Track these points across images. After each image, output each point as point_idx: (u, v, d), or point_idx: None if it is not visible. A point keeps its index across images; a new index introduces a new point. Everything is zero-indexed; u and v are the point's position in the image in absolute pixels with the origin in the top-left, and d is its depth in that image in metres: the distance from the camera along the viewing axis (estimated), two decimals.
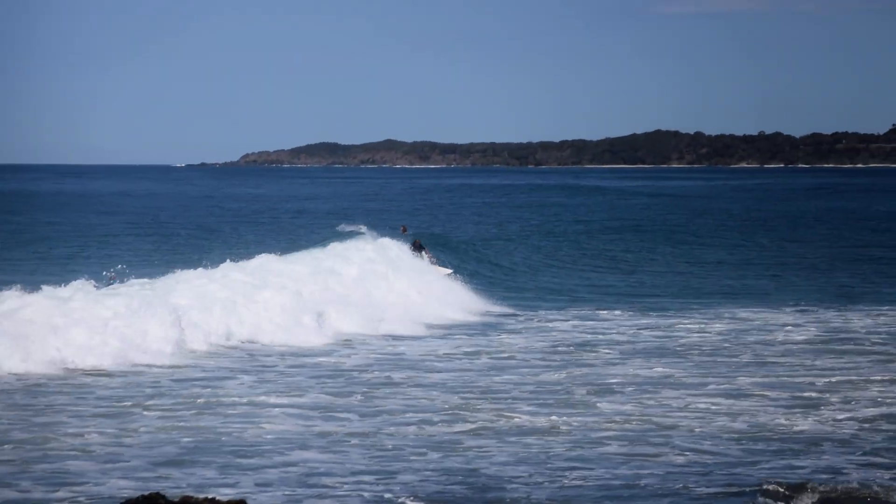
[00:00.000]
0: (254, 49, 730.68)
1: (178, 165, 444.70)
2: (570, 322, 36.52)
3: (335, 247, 43.50)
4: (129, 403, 22.99)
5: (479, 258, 56.38)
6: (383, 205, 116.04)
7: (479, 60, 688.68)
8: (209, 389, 24.63)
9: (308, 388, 25.04)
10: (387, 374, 26.95)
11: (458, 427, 21.17)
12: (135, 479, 17.47)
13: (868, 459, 18.89)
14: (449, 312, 38.07)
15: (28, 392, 24.14)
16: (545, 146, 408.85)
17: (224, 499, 14.10)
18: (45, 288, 29.45)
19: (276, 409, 22.58)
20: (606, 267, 57.31)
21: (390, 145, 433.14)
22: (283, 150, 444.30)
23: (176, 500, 13.79)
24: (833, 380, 25.93)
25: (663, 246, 66.96)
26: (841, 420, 21.78)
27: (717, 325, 35.35)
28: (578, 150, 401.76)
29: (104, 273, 36.42)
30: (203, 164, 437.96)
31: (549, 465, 18.43)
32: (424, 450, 19.41)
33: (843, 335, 33.14)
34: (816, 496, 16.58)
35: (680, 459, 18.85)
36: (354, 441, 20.05)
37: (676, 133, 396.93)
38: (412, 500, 16.54)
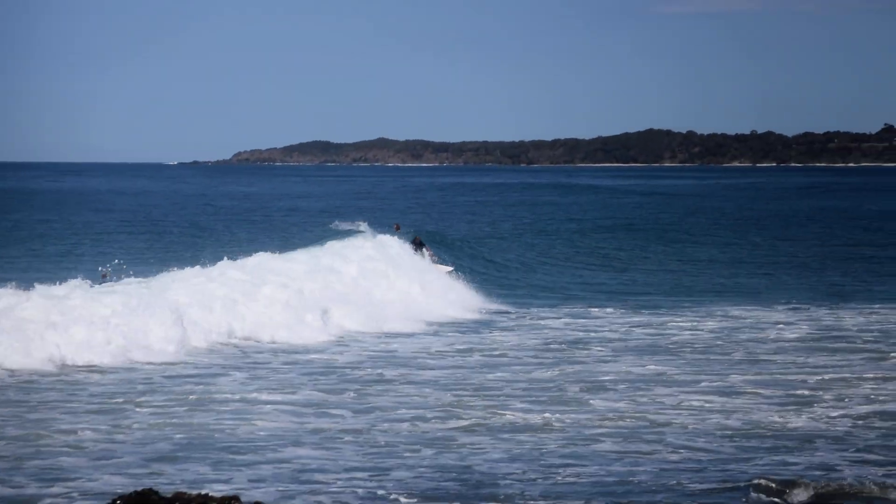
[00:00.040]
0: (246, 48, 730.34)
1: (171, 163, 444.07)
2: (563, 320, 36.54)
3: (334, 244, 43.51)
4: (123, 400, 22.99)
5: (474, 255, 56.38)
6: (376, 203, 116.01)
7: (472, 59, 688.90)
8: (202, 386, 24.63)
9: (301, 384, 25.04)
10: (380, 371, 26.96)
11: (452, 424, 21.17)
12: (127, 475, 17.46)
13: (861, 456, 18.92)
14: (448, 310, 38.04)
15: (21, 388, 24.13)
16: (537, 145, 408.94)
17: (217, 495, 14.09)
18: (40, 286, 29.47)
19: (269, 406, 22.58)
20: (599, 265, 57.36)
21: (383, 144, 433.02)
22: (275, 149, 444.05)
23: (168, 496, 13.78)
24: (825, 377, 25.96)
25: (656, 244, 67.03)
26: (834, 417, 21.82)
27: (710, 323, 35.39)
28: (571, 149, 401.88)
29: (99, 269, 36.43)
30: (195, 163, 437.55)
31: (542, 462, 18.44)
32: (418, 446, 19.42)
33: (834, 333, 33.19)
34: (810, 492, 16.61)
35: (673, 456, 18.87)
36: (347, 438, 20.05)
37: (669, 132, 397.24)
38: (405, 497, 16.54)
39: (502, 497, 16.56)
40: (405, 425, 21.05)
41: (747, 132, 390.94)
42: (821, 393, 24.15)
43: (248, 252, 38.41)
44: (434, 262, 45.58)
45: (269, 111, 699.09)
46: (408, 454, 18.93)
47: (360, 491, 16.77)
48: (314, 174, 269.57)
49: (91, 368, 26.46)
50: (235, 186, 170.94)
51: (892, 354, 29.14)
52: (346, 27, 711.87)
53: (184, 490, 14.49)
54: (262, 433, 20.33)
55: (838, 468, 18.20)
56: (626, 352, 29.83)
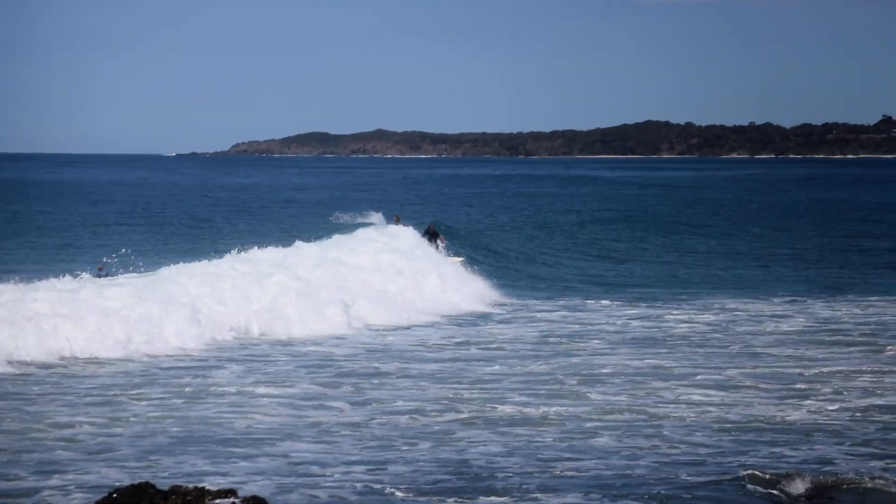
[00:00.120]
0: (245, 40, 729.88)
1: (169, 155, 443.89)
2: (560, 312, 36.55)
3: (343, 237, 43.51)
4: (121, 393, 22.99)
5: (475, 246, 56.33)
6: (375, 195, 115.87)
7: (471, 51, 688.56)
8: (200, 379, 24.64)
9: (298, 378, 25.05)
10: (377, 364, 26.96)
11: (449, 417, 21.18)
12: (125, 467, 17.47)
13: (859, 450, 18.94)
14: (460, 304, 37.87)
15: (20, 381, 24.13)
16: (536, 136, 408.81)
17: (214, 488, 14.10)
18: (42, 279, 29.53)
19: (267, 399, 22.59)
20: (597, 256, 57.37)
21: (381, 135, 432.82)
22: (273, 140, 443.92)
23: (165, 489, 13.79)
24: (822, 370, 25.98)
25: (654, 236, 67.05)
26: (831, 410, 21.83)
27: (707, 316, 35.39)
28: (569, 141, 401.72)
29: (106, 259, 36.46)
30: (193, 154, 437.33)
31: (540, 456, 18.45)
32: (415, 440, 19.43)
33: (832, 326, 33.20)
34: (808, 485, 16.63)
35: (671, 449, 18.88)
36: (345, 431, 20.06)
37: (667, 123, 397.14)
38: (403, 490, 16.55)
39: (500, 490, 16.57)
40: (403, 418, 21.06)
41: (745, 124, 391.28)
42: (818, 386, 24.17)
43: (251, 244, 38.27)
44: (445, 251, 45.48)
45: (268, 103, 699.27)
46: (405, 447, 18.94)
47: (357, 485, 16.78)
48: (312, 166, 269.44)
49: (91, 361, 26.48)
50: (234, 178, 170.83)
51: (890, 347, 29.16)
52: (344, 19, 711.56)
53: (181, 483, 14.51)
54: (259, 426, 20.34)
55: (836, 461, 18.22)
56: (624, 344, 29.84)
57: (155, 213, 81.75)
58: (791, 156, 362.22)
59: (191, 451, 18.55)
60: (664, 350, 28.89)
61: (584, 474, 17.38)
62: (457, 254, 46.83)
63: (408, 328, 33.18)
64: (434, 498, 16.19)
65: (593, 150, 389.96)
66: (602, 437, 19.72)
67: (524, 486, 16.71)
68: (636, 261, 55.98)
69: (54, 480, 16.81)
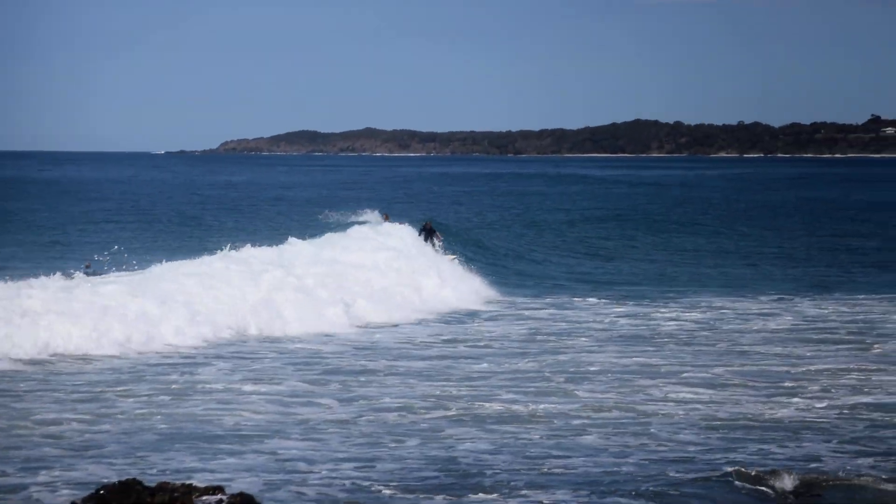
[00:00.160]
0: (234, 38, 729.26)
1: (158, 153, 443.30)
2: (548, 310, 36.56)
3: (337, 234, 43.45)
4: (108, 389, 22.95)
5: (465, 242, 56.28)
6: (365, 193, 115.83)
7: (460, 49, 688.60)
8: (187, 376, 24.61)
9: (286, 375, 25.03)
10: (365, 361, 26.96)
11: (437, 414, 21.18)
12: (112, 464, 17.44)
13: (846, 447, 18.97)
14: (450, 300, 37.79)
15: (7, 378, 24.08)
16: (525, 135, 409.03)
17: (201, 485, 14.08)
18: (31, 277, 29.49)
19: (254, 396, 22.58)
20: (585, 254, 57.40)
21: (370, 133, 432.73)
22: (262, 138, 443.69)
23: (152, 486, 13.77)
24: (810, 368, 26.02)
25: (643, 234, 67.11)
26: (819, 408, 21.86)
27: (695, 314, 35.43)
28: (558, 139, 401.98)
29: (97, 257, 36.42)
30: (182, 152, 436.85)
31: (528, 453, 18.46)
32: (403, 437, 19.43)
33: (819, 324, 33.25)
34: (795, 482, 16.65)
35: (659, 447, 18.89)
36: (333, 428, 20.05)
37: (656, 122, 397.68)
38: (391, 488, 16.54)
39: (488, 487, 16.57)
40: (391, 416, 21.06)
41: (734, 123, 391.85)
42: (806, 384, 24.21)
43: (241, 242, 38.15)
44: (440, 248, 45.42)
45: (257, 101, 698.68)
46: (393, 445, 18.93)
47: (345, 482, 16.77)
48: (301, 164, 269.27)
49: (80, 358, 26.43)
50: (223, 176, 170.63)
51: (877, 346, 29.22)
52: (333, 18, 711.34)
53: (168, 480, 14.49)
54: (247, 423, 20.32)
55: (823, 458, 18.26)
56: (612, 342, 29.86)
57: (144, 210, 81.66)
58: (780, 155, 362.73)
59: (178, 447, 18.53)
60: (652, 348, 28.92)
61: (572, 472, 17.39)
62: (451, 252, 46.74)
63: (396, 326, 33.15)
64: (422, 495, 16.18)
65: (583, 148, 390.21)
66: (590, 434, 19.73)
67: (512, 484, 16.71)
68: (624, 259, 56.03)
69: (41, 477, 16.78)
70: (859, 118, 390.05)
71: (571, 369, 25.73)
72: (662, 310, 36.40)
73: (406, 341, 30.27)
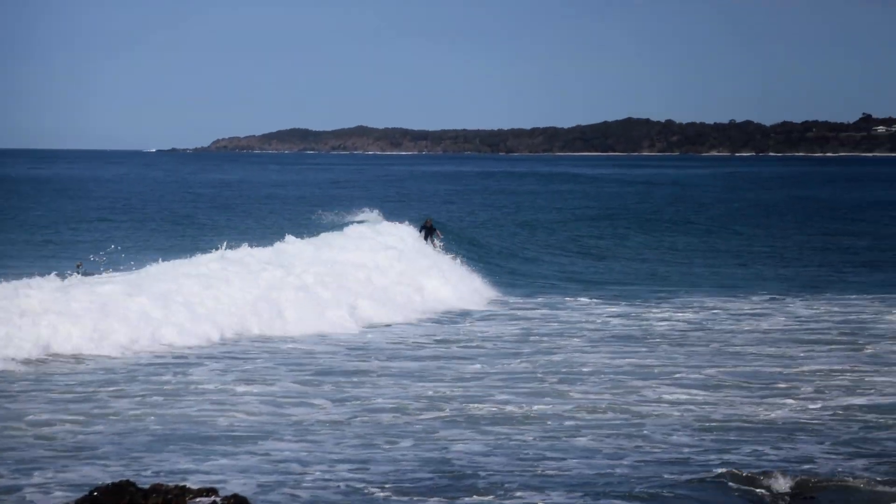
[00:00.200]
0: (225, 36, 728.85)
1: (150, 151, 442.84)
2: (541, 310, 36.56)
3: (336, 234, 43.45)
4: (102, 390, 22.91)
5: (458, 241, 56.27)
6: (358, 192, 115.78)
7: (452, 48, 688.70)
8: (181, 377, 24.57)
9: (280, 376, 25.00)
10: (359, 362, 26.95)
11: (431, 415, 21.18)
12: (106, 466, 17.41)
13: (840, 449, 18.97)
14: (448, 300, 37.68)
15: (0, 377, 24.05)
16: (517, 133, 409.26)
17: (195, 487, 14.08)
18: (25, 277, 29.45)
19: (248, 397, 22.55)
20: (577, 253, 57.43)
21: (362, 131, 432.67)
22: (253, 136, 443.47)
23: (146, 487, 13.77)
24: (803, 369, 26.04)
25: (635, 234, 67.15)
26: (812, 409, 21.88)
27: (687, 314, 35.45)
28: (550, 138, 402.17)
29: (93, 257, 36.39)
30: (174, 150, 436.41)
31: (521, 454, 18.46)
32: (397, 438, 19.42)
33: (811, 324, 33.27)
34: (790, 483, 16.66)
35: (652, 448, 18.89)
36: (327, 429, 20.03)
37: (647, 121, 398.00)
38: (385, 489, 16.52)
39: (482, 489, 16.56)
40: (385, 417, 21.05)
41: (726, 121, 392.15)
42: (799, 385, 24.23)
43: (235, 241, 38.09)
44: (439, 246, 45.37)
45: (248, 99, 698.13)
46: (387, 446, 18.92)
47: (339, 483, 16.76)
48: (293, 162, 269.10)
49: (75, 358, 26.35)
50: (215, 174, 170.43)
51: (869, 346, 29.24)
52: (324, 16, 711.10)
53: (162, 482, 14.48)
54: (241, 424, 20.29)
55: (817, 460, 18.27)
56: (605, 343, 29.86)
57: (136, 209, 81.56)
58: (771, 154, 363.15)
59: (172, 449, 18.51)
60: (644, 348, 28.92)
61: (566, 473, 17.39)
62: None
63: (388, 325, 33.11)
64: (416, 497, 16.18)
65: (574, 147, 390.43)
66: (584, 435, 19.73)
67: (506, 485, 16.71)
68: (616, 258, 56.07)
69: (34, 478, 16.75)
70: (851, 117, 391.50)
71: (564, 370, 25.73)
72: (655, 310, 36.41)
73: (399, 342, 30.25)
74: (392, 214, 55.50)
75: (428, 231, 45.96)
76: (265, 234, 49.69)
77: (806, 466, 17.82)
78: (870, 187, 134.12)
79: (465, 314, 35.80)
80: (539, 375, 25.05)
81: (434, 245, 45.23)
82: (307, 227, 47.33)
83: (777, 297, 39.99)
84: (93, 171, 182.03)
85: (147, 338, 28.14)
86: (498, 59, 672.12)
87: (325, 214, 66.07)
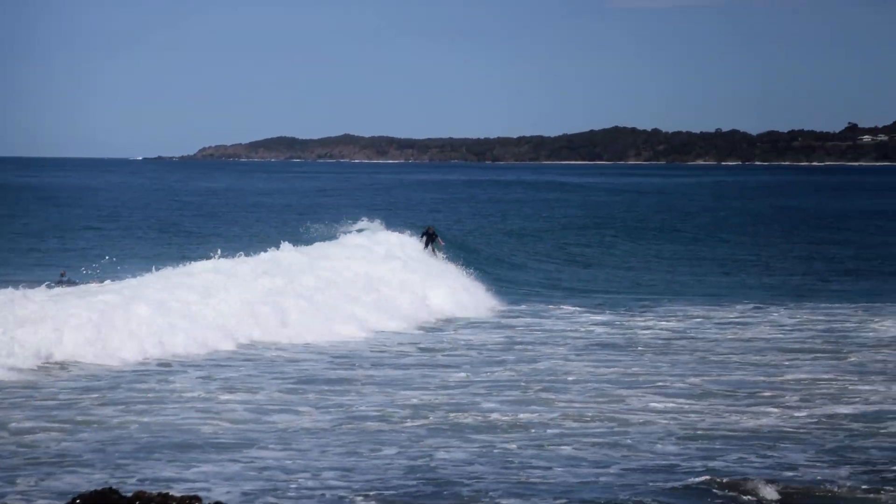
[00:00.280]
0: (211, 44, 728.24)
1: (136, 159, 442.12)
2: (525, 318, 36.58)
3: (331, 242, 43.48)
4: (86, 398, 22.86)
5: (447, 249, 56.19)
6: (344, 200, 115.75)
7: (437, 56, 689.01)
8: (164, 384, 24.53)
9: (265, 384, 24.98)
10: (344, 370, 26.94)
11: (416, 423, 21.17)
12: (89, 474, 17.38)
13: (825, 457, 18.99)
14: (445, 308, 37.63)
15: None
16: (503, 142, 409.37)
17: (178, 495, 14.06)
18: (12, 286, 29.42)
19: (232, 405, 22.52)
20: (563, 261, 57.48)
21: (348, 140, 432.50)
22: (240, 144, 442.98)
23: (129, 495, 13.74)
24: (788, 377, 26.09)
25: (622, 242, 67.22)
26: (797, 418, 21.92)
27: (672, 323, 35.50)
28: (536, 146, 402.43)
29: (85, 270, 36.36)
30: (160, 158, 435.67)
31: (506, 463, 18.45)
32: (381, 446, 19.42)
33: (796, 333, 33.34)
34: (775, 492, 16.70)
35: (637, 456, 18.91)
36: (311, 437, 20.02)
37: (634, 129, 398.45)
38: (369, 498, 16.52)
39: (467, 497, 16.57)
40: (369, 424, 21.04)
41: (712, 130, 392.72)
42: (783, 393, 24.27)
43: (227, 250, 37.99)
44: (438, 253, 45.36)
45: (234, 107, 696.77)
46: (372, 454, 18.91)
47: (325, 492, 16.75)
48: (280, 170, 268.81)
49: (59, 366, 26.24)
50: (202, 182, 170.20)
51: (853, 355, 29.30)
52: (309, 23, 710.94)
53: (145, 489, 14.46)
54: (225, 432, 20.27)
55: (802, 468, 18.29)
56: (589, 351, 29.88)
57: (123, 217, 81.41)
58: (757, 162, 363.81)
59: (156, 456, 18.47)
60: (629, 357, 28.95)
61: (551, 481, 17.40)
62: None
63: (374, 333, 33.07)
64: None
65: (560, 155, 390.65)
66: (568, 444, 19.74)
67: (491, 493, 16.72)
68: (602, 266, 56.16)
69: (18, 486, 16.71)
70: (836, 126, 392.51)
71: (550, 378, 25.75)
72: (639, 318, 36.46)
73: (384, 350, 30.24)
74: (388, 224, 55.40)
75: (429, 238, 46.00)
76: (252, 242, 49.65)
77: (790, 474, 17.86)
78: (855, 196, 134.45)
79: (450, 321, 35.75)
80: (524, 384, 25.06)
81: (434, 252, 45.29)
82: (295, 237, 47.16)
83: (761, 305, 40.07)
84: (79, 179, 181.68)
85: (135, 347, 28.02)
86: (484, 67, 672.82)
87: (321, 225, 65.97)
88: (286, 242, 40.34)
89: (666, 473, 17.83)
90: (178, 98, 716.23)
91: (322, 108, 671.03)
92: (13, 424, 20.45)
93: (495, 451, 19.21)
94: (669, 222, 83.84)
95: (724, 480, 17.13)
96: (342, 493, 16.62)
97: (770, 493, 16.68)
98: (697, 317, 36.89)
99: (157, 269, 34.21)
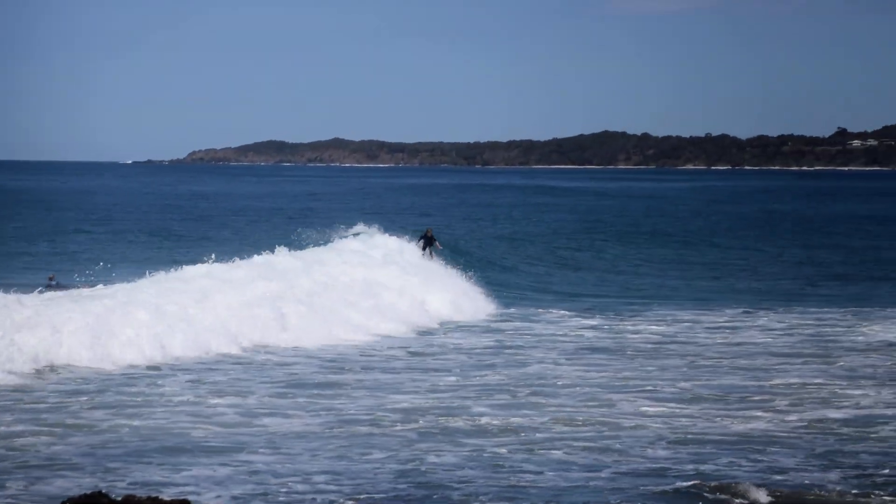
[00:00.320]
0: (200, 47, 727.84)
1: (126, 162, 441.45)
2: (515, 322, 36.59)
3: (327, 247, 43.53)
4: (76, 401, 22.83)
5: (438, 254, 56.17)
6: (336, 204, 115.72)
7: (428, 60, 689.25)
8: (154, 388, 24.51)
9: (256, 388, 24.96)
10: (335, 375, 26.93)
11: (406, 427, 21.17)
12: (79, 478, 17.36)
13: (815, 461, 19.01)
14: (441, 312, 37.58)
15: None
16: (493, 146, 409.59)
17: (167, 499, 14.05)
18: (7, 291, 29.40)
19: (223, 409, 22.51)
20: (554, 265, 57.47)
21: (338, 144, 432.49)
22: (230, 148, 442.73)
23: (119, 499, 13.73)
24: (777, 382, 26.12)
25: (612, 246, 67.20)
26: (787, 422, 21.94)
27: (662, 327, 35.51)
28: (526, 150, 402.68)
29: (78, 276, 36.32)
30: (150, 162, 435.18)
31: (496, 467, 18.45)
32: (372, 450, 19.41)
33: (785, 338, 33.37)
34: (765, 496, 16.71)
35: (627, 461, 18.91)
36: (302, 441, 20.01)
37: (624, 134, 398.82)
38: (360, 501, 16.52)
39: (456, 502, 16.56)
40: (359, 429, 21.03)
41: (702, 135, 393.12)
42: (773, 398, 24.29)
43: (222, 255, 37.94)
44: (433, 256, 45.37)
45: (224, 110, 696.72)
46: (362, 458, 18.91)
47: (314, 496, 16.75)
48: (270, 174, 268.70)
49: (52, 370, 26.16)
50: (193, 186, 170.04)
51: (842, 359, 29.33)
52: (299, 27, 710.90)
53: (135, 493, 14.45)
54: (216, 436, 20.25)
55: (792, 472, 18.32)
56: (580, 355, 29.88)
57: (114, 221, 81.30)
58: (747, 167, 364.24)
59: (146, 460, 18.46)
60: (619, 361, 28.96)
61: (541, 486, 17.40)
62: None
63: (368, 337, 33.00)
64: None
65: (550, 160, 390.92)
66: (559, 448, 19.74)
67: (481, 497, 16.72)
68: (592, 270, 56.15)
69: (8, 490, 16.68)
70: (826, 131, 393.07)
71: (540, 382, 25.76)
72: (629, 322, 36.48)
73: (374, 354, 30.24)
74: (384, 228, 55.36)
75: (427, 241, 46.03)
76: (244, 246, 49.61)
77: (781, 478, 17.88)
78: (844, 201, 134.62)
79: (442, 325, 35.72)
80: (514, 388, 25.07)
81: (432, 255, 45.33)
82: (298, 241, 47.04)
83: (751, 309, 40.09)
84: (69, 183, 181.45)
85: (130, 351, 27.97)
86: (475, 72, 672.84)
87: (315, 230, 65.86)
88: (282, 247, 40.26)
89: (656, 478, 17.85)
90: (169, 102, 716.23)
91: (312, 113, 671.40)
92: (2, 428, 20.42)
93: (485, 455, 19.22)
94: (659, 226, 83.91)
95: (715, 484, 17.15)
96: (332, 497, 16.62)
97: (760, 496, 16.70)
98: (687, 321, 36.92)
99: (151, 274, 34.16)
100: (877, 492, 17.19)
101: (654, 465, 18.62)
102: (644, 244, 69.26)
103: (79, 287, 34.49)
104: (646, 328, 35.18)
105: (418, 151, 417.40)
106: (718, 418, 22.20)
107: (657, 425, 21.48)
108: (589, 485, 17.44)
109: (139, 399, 23.25)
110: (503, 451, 19.49)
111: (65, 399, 23.11)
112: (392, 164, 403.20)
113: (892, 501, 16.88)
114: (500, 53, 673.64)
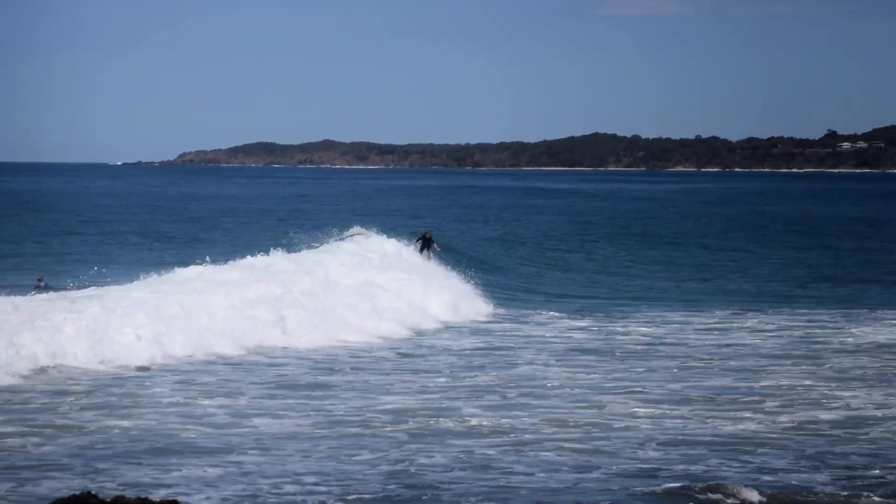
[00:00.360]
0: (191, 49, 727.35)
1: (115, 164, 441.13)
2: (506, 324, 36.58)
3: (323, 249, 43.53)
4: (65, 403, 22.78)
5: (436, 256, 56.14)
6: (327, 206, 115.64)
7: (417, 62, 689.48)
8: (145, 389, 24.47)
9: (246, 389, 24.93)
10: (326, 376, 26.90)
11: (396, 429, 21.15)
12: (68, 478, 17.32)
13: (806, 462, 19.03)
14: (439, 313, 37.53)
15: None
16: (483, 148, 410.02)
17: (157, 499, 14.02)
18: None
19: (213, 410, 22.47)
20: (544, 266, 57.47)
21: (328, 145, 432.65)
22: (220, 150, 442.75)
23: (108, 500, 13.70)
24: (768, 383, 26.13)
25: (602, 247, 67.22)
26: (778, 423, 21.94)
27: (652, 328, 35.51)
28: (516, 152, 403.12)
29: (70, 282, 36.25)
30: (140, 163, 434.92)
31: (487, 468, 18.44)
32: (362, 451, 19.39)
33: (775, 339, 33.40)
34: (756, 497, 16.72)
35: (618, 462, 18.91)
36: (292, 442, 19.98)
37: (614, 136, 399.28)
38: (350, 502, 16.50)
39: (446, 502, 16.56)
40: (349, 430, 21.01)
41: (692, 137, 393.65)
42: (764, 399, 24.29)
43: (216, 256, 37.87)
44: (430, 258, 45.38)
45: (215, 112, 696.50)
46: (352, 459, 18.89)
47: (305, 497, 16.72)
48: (260, 176, 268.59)
49: (41, 371, 26.07)
50: (183, 187, 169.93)
51: (832, 361, 29.35)
52: (289, 28, 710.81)
53: (124, 494, 14.42)
54: (206, 438, 20.22)
55: (784, 473, 18.32)
56: (570, 357, 29.88)
57: (104, 222, 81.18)
58: (737, 169, 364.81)
59: (135, 461, 18.42)
60: (609, 363, 28.96)
61: (531, 487, 17.39)
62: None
63: (356, 339, 32.96)
64: None
65: (540, 161, 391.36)
66: (548, 449, 19.74)
67: (471, 498, 16.71)
68: (581, 271, 56.17)
69: None
70: (816, 133, 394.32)
71: (529, 383, 25.75)
72: (619, 324, 36.48)
73: (365, 355, 30.21)
74: (381, 230, 55.33)
75: (426, 243, 46.04)
76: (236, 247, 49.55)
77: (771, 479, 17.88)
78: (834, 203, 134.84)
79: (431, 327, 35.68)
80: (504, 389, 25.05)
81: (430, 257, 45.36)
82: (292, 243, 46.98)
83: (740, 311, 40.11)
84: (58, 184, 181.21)
85: (125, 352, 27.90)
86: (465, 74, 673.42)
87: (308, 233, 65.76)
88: (278, 250, 40.16)
89: (646, 478, 17.84)
90: (159, 103, 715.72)
91: (302, 114, 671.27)
92: None
93: (475, 456, 19.20)
94: (649, 228, 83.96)
95: (705, 485, 17.15)
96: (322, 498, 16.59)
97: (750, 497, 16.70)
98: (677, 322, 36.93)
99: (144, 276, 34.07)
100: (866, 493, 17.20)
101: (644, 466, 18.61)
102: (634, 246, 69.30)
103: (66, 289, 34.36)
104: (636, 329, 35.19)
105: (408, 153, 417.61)
106: (708, 419, 22.20)
107: (647, 426, 21.48)
108: (579, 486, 17.43)
109: (129, 400, 23.21)
110: (493, 452, 19.47)
111: (53, 399, 23.06)
112: (382, 166, 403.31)
113: (881, 502, 16.91)
114: (491, 56, 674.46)
